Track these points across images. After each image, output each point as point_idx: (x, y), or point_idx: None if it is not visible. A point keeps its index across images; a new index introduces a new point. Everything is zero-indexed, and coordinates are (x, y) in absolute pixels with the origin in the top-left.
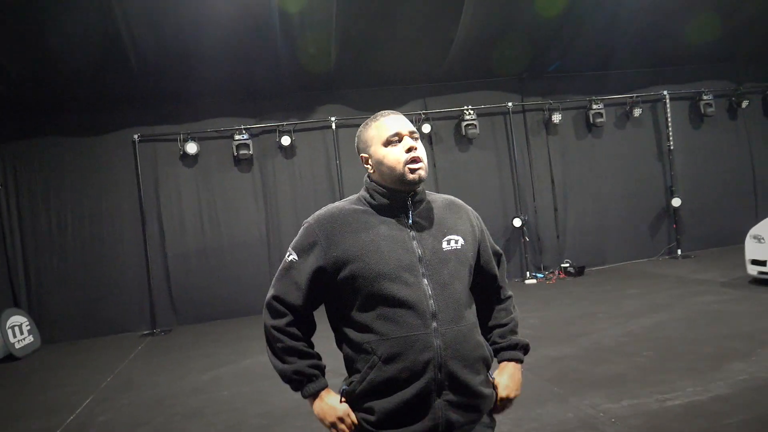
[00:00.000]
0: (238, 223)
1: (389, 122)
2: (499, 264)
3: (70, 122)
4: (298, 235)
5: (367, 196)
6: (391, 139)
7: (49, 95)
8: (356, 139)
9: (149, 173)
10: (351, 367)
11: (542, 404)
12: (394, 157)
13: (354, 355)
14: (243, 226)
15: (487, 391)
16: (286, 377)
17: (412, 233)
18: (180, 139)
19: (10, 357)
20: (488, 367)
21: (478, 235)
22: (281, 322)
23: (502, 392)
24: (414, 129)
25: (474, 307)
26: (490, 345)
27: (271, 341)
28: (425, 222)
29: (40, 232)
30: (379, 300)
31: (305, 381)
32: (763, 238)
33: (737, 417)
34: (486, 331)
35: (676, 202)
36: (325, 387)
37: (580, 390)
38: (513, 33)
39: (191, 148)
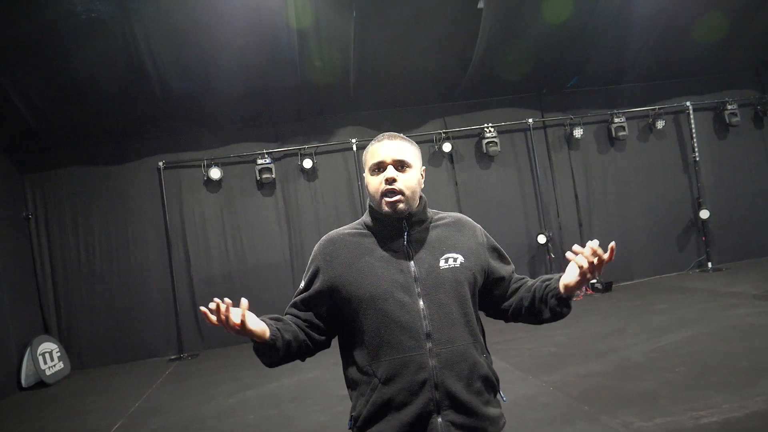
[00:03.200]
0: (262, 246)
1: (378, 149)
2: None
3: (96, 151)
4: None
5: (368, 219)
6: (374, 167)
7: (75, 125)
8: None
9: (174, 199)
10: (355, 391)
11: (572, 423)
12: (374, 186)
13: (358, 378)
14: (267, 249)
15: (492, 411)
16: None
17: (410, 253)
18: (204, 165)
19: (42, 383)
20: (493, 387)
21: (485, 253)
22: None
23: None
24: (403, 157)
25: (475, 325)
26: (544, 291)
27: None
28: (424, 242)
29: (69, 260)
30: (375, 322)
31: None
32: None
33: None
34: (535, 298)
35: (704, 214)
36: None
37: (611, 408)
38: (531, 49)
39: (215, 173)
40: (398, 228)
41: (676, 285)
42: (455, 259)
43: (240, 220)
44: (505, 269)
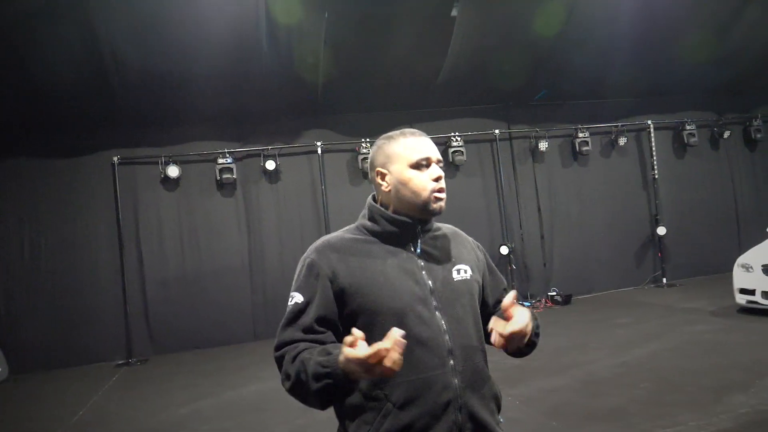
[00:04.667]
0: (220, 249)
1: (420, 145)
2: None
3: (46, 143)
4: (297, 274)
5: (369, 223)
6: (421, 162)
7: (25, 114)
8: (374, 150)
9: (128, 197)
10: (354, 421)
11: None
12: (421, 182)
13: (361, 404)
14: (225, 252)
15: None
16: (311, 392)
17: (421, 263)
18: (161, 162)
19: None
20: (500, 407)
21: (482, 267)
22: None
23: (516, 324)
24: (441, 157)
25: (484, 340)
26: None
27: (284, 379)
28: (434, 251)
29: (11, 256)
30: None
31: (324, 375)
32: (751, 267)
33: None
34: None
35: (661, 230)
36: (336, 359)
37: (579, 424)
38: (501, 61)
39: (173, 171)
40: (411, 235)
41: (633, 299)
42: (465, 271)
43: (198, 221)
44: (495, 281)
